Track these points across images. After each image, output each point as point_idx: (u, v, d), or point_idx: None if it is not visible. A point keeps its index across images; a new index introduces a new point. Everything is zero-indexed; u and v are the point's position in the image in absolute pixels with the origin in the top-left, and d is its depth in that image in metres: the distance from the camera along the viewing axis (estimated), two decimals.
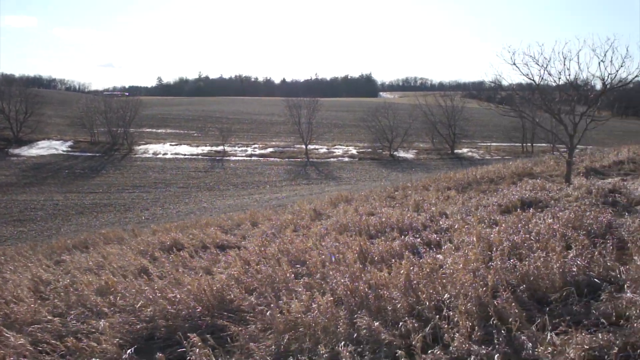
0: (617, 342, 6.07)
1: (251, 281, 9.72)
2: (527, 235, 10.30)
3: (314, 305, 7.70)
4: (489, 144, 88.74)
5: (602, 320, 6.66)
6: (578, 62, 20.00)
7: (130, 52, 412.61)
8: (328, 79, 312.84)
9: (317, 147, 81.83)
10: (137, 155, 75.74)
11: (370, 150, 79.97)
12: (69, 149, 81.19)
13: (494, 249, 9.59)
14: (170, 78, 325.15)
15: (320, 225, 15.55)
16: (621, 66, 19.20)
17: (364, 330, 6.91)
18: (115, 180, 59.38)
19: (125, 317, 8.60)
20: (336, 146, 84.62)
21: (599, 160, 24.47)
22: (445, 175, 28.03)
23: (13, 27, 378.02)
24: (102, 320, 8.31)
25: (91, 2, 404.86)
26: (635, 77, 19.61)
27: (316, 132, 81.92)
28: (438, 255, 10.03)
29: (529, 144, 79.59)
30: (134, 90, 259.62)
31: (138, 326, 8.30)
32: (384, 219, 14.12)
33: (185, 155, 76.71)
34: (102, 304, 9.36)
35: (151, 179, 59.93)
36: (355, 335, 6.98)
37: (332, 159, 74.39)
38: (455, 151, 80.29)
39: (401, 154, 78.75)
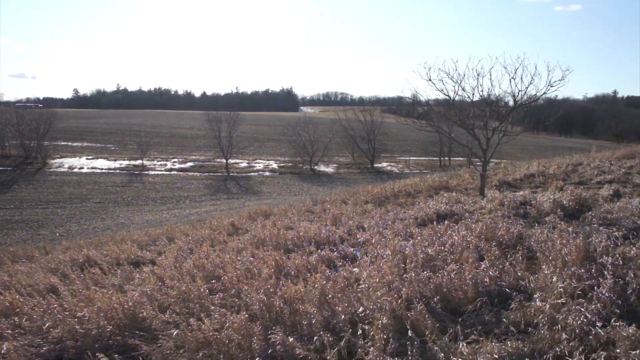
0: (526, 349, 6.22)
1: (165, 298, 9.47)
2: (442, 247, 10.48)
3: (227, 323, 7.56)
4: (407, 158, 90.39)
5: (512, 328, 6.84)
6: (490, 79, 20.57)
7: (45, 62, 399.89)
8: (249, 92, 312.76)
9: (237, 161, 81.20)
10: (51, 170, 72.87)
11: (291, 164, 79.93)
12: None
13: (409, 261, 9.69)
14: (87, 90, 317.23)
15: (238, 240, 15.39)
16: (530, 83, 19.94)
17: (279, 346, 6.83)
18: (28, 195, 56.96)
19: (31, 339, 8.20)
20: (257, 160, 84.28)
21: (511, 173, 25.25)
22: (364, 189, 28.34)
23: None
24: (6, 343, 7.88)
25: (2, 9, 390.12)
26: (543, 93, 20.37)
27: (237, 146, 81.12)
28: (354, 269, 10.06)
29: (447, 158, 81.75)
30: (49, 102, 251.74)
31: (45, 348, 7.92)
32: (301, 233, 14.11)
33: (102, 169, 74.44)
34: (6, 325, 8.91)
35: (66, 194, 57.87)
36: (270, 351, 6.89)
37: (253, 173, 73.97)
38: (375, 165, 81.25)
39: (322, 168, 79.15)
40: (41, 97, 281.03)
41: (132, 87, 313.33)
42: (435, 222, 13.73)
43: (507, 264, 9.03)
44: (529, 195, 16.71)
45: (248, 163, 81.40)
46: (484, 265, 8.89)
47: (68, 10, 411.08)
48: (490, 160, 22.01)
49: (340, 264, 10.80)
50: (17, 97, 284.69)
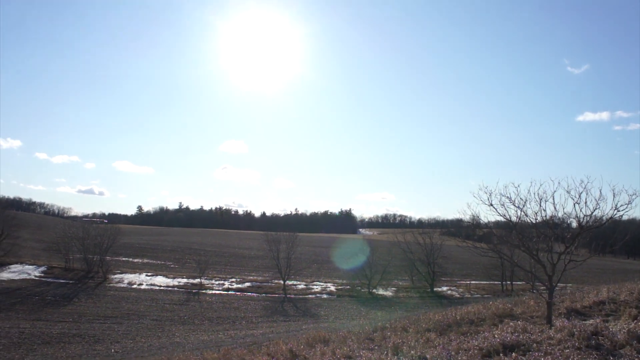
0: None
1: None
2: None
3: None
4: (468, 282, 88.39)
5: None
6: (554, 203, 20.26)
7: (111, 180, 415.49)
8: (308, 214, 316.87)
9: (295, 282, 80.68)
10: (111, 285, 73.95)
11: (349, 287, 78.79)
12: (42, 274, 78.91)
13: None
14: (150, 207, 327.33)
15: None
16: (596, 208, 19.51)
17: None
18: (87, 309, 57.58)
19: None
20: (315, 282, 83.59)
21: (579, 300, 24.29)
22: (424, 315, 27.63)
23: None
24: None
25: (74, 131, 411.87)
26: (610, 218, 19.84)
27: (295, 267, 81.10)
28: None
29: (509, 282, 79.51)
30: (114, 218, 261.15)
31: None
32: None
33: (160, 286, 75.10)
34: None
35: (124, 309, 58.28)
36: None
37: (310, 295, 73.17)
38: (435, 289, 79.50)
39: (380, 291, 77.77)
40: (107, 213, 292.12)
41: (193, 206, 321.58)
42: (502, 354, 13.08)
43: None
44: (600, 325, 15.92)
45: (306, 285, 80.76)
46: None
47: (133, 135, 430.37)
48: (556, 286, 21.27)
49: None
50: (84, 212, 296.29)
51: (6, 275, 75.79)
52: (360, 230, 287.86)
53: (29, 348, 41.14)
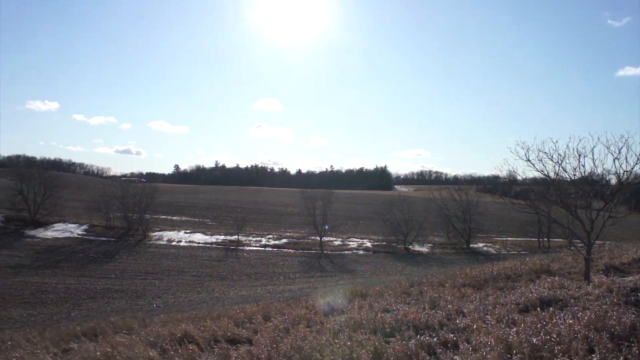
0: None
1: None
2: (548, 337, 9.94)
3: None
4: (504, 238, 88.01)
5: None
6: (593, 159, 19.87)
7: (148, 139, 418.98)
8: (343, 171, 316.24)
9: (331, 239, 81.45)
10: (151, 242, 75.73)
11: (385, 243, 79.21)
12: (84, 232, 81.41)
13: (514, 351, 9.27)
14: (187, 166, 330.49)
15: (334, 321, 15.21)
16: (636, 163, 19.14)
17: None
18: (129, 266, 59.17)
19: None
20: (351, 238, 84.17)
21: (618, 257, 24.04)
22: (461, 270, 27.69)
23: (36, 111, 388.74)
24: None
25: (110, 92, 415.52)
26: None
27: (331, 224, 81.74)
28: (455, 357, 9.71)
29: (546, 239, 78.75)
30: (151, 177, 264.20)
31: None
32: (399, 317, 13.80)
33: (199, 243, 76.53)
34: None
35: (164, 266, 59.62)
36: None
37: (346, 252, 73.75)
38: (471, 245, 79.46)
39: (416, 247, 78.07)
40: (144, 172, 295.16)
41: (229, 164, 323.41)
42: (538, 309, 13.12)
43: (622, 358, 8.46)
44: (639, 281, 15.80)
45: (342, 241, 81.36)
46: (596, 358, 8.38)
47: (167, 95, 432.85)
48: (594, 243, 21.08)
49: (440, 350, 10.45)
50: (123, 171, 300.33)
51: (50, 233, 77.91)
52: (396, 187, 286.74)
53: (75, 303, 42.50)
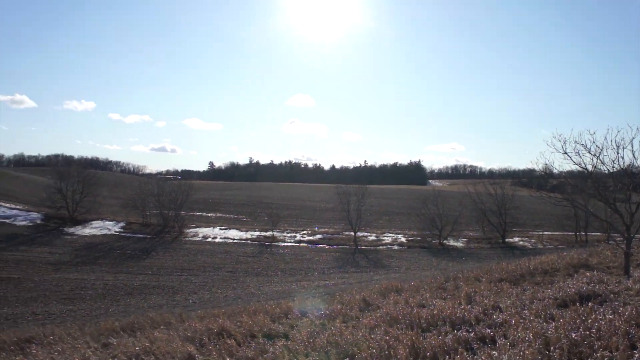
0: None
1: None
2: (587, 332, 9.82)
3: None
4: (541, 232, 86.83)
5: None
6: (632, 150, 19.52)
7: (183, 137, 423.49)
8: (377, 166, 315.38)
9: (366, 234, 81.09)
10: (187, 238, 76.39)
11: (419, 238, 78.70)
12: (121, 229, 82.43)
13: (552, 347, 9.17)
14: (221, 163, 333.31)
15: (370, 316, 15.22)
16: None
17: None
18: (165, 262, 59.84)
19: None
20: (385, 234, 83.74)
21: None
22: (497, 265, 27.47)
23: (73, 111, 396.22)
24: None
25: (144, 91, 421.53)
26: None
27: (365, 219, 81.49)
28: (493, 352, 9.64)
29: (583, 233, 77.50)
30: (186, 174, 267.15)
31: None
32: (435, 312, 13.75)
33: (234, 239, 76.93)
34: None
35: (200, 262, 60.16)
36: None
37: (381, 247, 73.59)
38: (507, 240, 78.54)
39: (451, 242, 77.42)
40: (179, 169, 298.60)
41: (263, 161, 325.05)
42: (577, 304, 12.97)
43: None
44: None
45: (376, 236, 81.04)
46: (637, 355, 8.25)
47: (201, 92, 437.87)
48: (634, 237, 20.72)
49: (477, 346, 10.39)
50: (158, 169, 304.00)
51: (88, 231, 79.17)
52: (430, 181, 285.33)
53: (113, 299, 43.17)
